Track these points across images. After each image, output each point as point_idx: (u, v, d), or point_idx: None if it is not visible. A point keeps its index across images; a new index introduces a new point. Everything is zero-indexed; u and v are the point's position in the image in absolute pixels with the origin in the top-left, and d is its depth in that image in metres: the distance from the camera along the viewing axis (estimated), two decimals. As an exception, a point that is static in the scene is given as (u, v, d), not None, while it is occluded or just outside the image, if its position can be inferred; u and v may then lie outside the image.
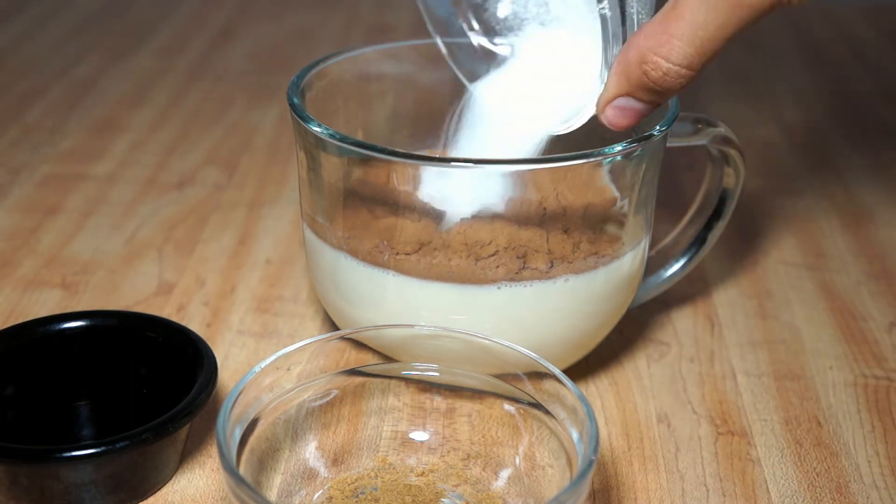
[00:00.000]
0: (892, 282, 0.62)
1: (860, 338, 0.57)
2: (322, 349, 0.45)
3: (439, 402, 0.47)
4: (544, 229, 0.47)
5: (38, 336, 0.48)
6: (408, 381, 0.47)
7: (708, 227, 0.55)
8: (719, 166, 0.54)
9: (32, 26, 1.02)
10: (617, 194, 0.49)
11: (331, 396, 0.46)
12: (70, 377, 0.48)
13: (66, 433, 0.48)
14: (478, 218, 0.47)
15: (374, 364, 0.47)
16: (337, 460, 0.45)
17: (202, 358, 0.46)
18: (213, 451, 0.48)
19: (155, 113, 0.83)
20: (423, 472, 0.45)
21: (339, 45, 0.97)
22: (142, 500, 0.45)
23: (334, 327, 0.55)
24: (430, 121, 0.59)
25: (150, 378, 0.48)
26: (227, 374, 0.53)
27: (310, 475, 0.44)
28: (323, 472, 0.45)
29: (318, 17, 1.07)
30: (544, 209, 0.47)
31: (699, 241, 0.56)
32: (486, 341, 0.44)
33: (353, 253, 0.49)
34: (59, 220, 0.67)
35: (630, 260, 0.50)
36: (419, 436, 0.46)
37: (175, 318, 0.56)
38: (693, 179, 0.72)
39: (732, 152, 0.53)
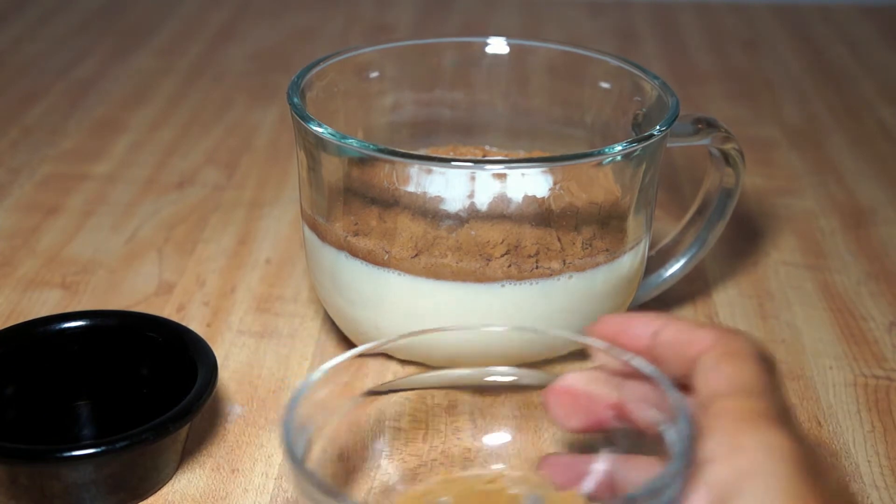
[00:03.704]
0: (892, 282, 0.62)
1: (860, 338, 0.57)
2: (384, 364, 0.43)
3: (509, 407, 0.45)
4: (553, 228, 0.47)
5: (38, 336, 0.48)
6: (472, 388, 0.45)
7: (708, 227, 0.55)
8: (719, 166, 0.54)
9: (32, 26, 1.02)
10: (619, 193, 0.49)
11: (397, 410, 0.44)
12: (70, 377, 0.48)
13: (66, 433, 0.48)
14: (484, 218, 0.47)
15: (434, 372, 0.45)
16: (406, 475, 0.43)
17: (202, 358, 0.46)
18: (214, 450, 0.48)
19: (155, 113, 0.83)
20: (494, 479, 0.43)
21: (339, 45, 0.97)
22: (142, 500, 0.45)
23: (334, 327, 0.55)
24: (430, 121, 0.59)
25: (150, 378, 0.48)
26: (227, 374, 0.53)
27: (380, 491, 0.43)
28: (394, 486, 0.43)
29: (318, 17, 1.07)
30: (550, 208, 0.47)
31: (699, 241, 0.56)
32: (558, 334, 0.41)
33: (354, 253, 0.49)
34: (59, 220, 0.67)
35: (630, 259, 0.50)
36: (490, 440, 0.44)
37: (175, 318, 0.56)
38: (693, 179, 0.72)
39: (732, 152, 0.53)
